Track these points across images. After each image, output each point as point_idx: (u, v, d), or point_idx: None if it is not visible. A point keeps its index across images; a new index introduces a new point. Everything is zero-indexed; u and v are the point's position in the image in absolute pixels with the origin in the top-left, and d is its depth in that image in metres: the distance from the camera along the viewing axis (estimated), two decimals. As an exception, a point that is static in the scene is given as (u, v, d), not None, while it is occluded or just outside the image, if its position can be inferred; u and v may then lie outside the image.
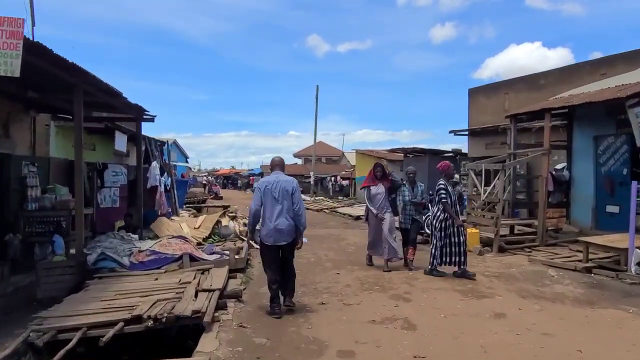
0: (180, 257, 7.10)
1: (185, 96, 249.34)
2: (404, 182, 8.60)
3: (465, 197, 11.97)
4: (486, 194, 10.63)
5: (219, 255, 7.78)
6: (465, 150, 21.47)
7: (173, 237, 8.49)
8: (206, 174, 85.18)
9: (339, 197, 33.99)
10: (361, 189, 8.72)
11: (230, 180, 71.94)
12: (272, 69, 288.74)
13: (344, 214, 19.93)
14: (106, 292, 5.78)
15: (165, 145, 18.22)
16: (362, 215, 10.62)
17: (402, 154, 23.57)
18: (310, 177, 36.09)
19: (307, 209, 11.03)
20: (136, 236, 8.69)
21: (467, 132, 19.63)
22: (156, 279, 6.35)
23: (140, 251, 7.25)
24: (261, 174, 56.33)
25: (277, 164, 5.75)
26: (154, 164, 15.29)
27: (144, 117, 10.39)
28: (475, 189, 11.68)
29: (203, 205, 28.97)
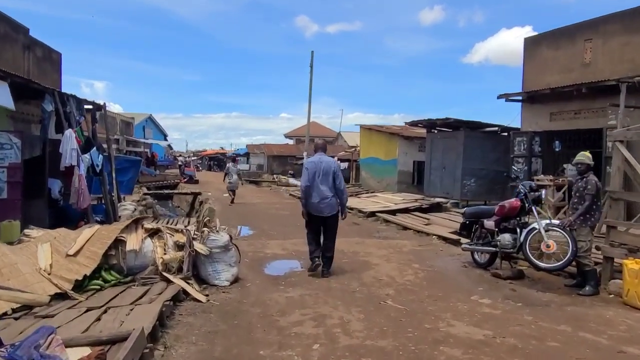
0: None
1: (175, 76, 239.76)
2: None
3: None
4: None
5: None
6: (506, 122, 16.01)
7: None
8: (191, 154, 79.07)
9: (337, 183, 28.52)
10: None
11: (216, 161, 65.94)
12: (263, 51, 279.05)
13: (351, 209, 14.43)
14: None
15: (103, 110, 12.53)
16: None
17: (424, 129, 18.10)
18: (302, 158, 30.49)
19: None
20: None
21: (521, 98, 14.18)
22: None
23: None
24: (247, 154, 50.71)
25: (320, 147, 6.64)
26: (68, 133, 9.74)
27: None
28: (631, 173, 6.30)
29: (173, 191, 23.57)
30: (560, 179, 11.07)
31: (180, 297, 4.87)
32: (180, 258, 5.39)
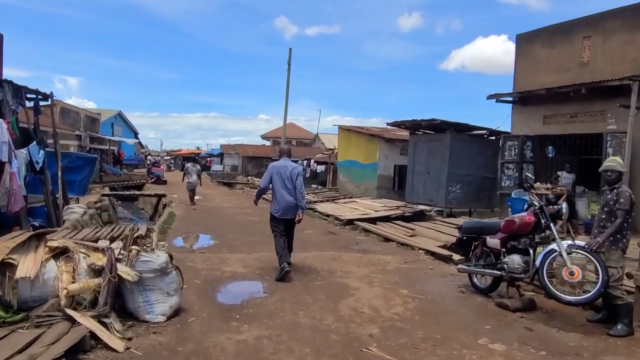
0: None
1: (152, 75, 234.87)
2: None
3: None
4: None
5: None
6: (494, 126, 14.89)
7: None
8: (164, 153, 76.85)
9: (313, 186, 27.27)
10: None
11: (191, 161, 63.97)
12: (242, 51, 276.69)
13: (328, 215, 13.23)
14: None
15: (50, 100, 11.04)
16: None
17: (406, 131, 16.99)
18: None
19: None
20: None
21: (513, 99, 13.19)
22: None
23: None
24: (221, 155, 49.02)
25: (285, 152, 6.93)
26: (-3, 124, 8.33)
27: None
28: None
29: (135, 193, 21.94)
30: (558, 188, 10.04)
31: (87, 345, 3.50)
32: (95, 287, 4.01)
